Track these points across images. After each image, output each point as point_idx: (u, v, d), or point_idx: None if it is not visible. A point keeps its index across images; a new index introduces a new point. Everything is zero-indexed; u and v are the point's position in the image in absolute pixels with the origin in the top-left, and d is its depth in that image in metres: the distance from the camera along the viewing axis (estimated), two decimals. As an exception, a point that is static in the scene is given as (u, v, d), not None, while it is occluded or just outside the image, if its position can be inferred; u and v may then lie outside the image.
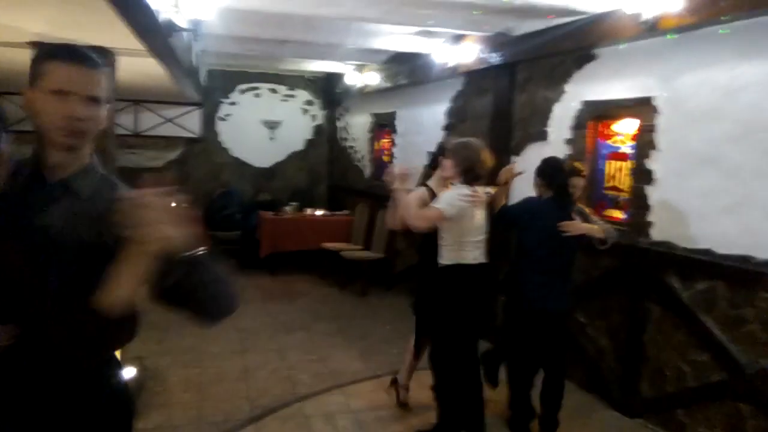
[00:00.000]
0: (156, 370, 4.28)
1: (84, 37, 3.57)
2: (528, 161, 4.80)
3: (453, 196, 3.14)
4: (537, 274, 3.33)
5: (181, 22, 3.41)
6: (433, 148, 6.41)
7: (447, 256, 3.23)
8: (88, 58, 1.31)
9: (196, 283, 1.29)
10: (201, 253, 1.28)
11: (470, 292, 3.26)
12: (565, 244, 3.25)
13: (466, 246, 3.23)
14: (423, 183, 3.54)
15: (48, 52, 1.30)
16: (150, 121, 8.55)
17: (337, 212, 8.20)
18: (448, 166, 3.26)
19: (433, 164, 3.52)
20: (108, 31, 3.26)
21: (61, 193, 1.30)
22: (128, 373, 3.91)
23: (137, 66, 4.80)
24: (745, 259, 3.14)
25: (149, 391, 3.94)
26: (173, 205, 1.18)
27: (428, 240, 3.31)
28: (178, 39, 3.64)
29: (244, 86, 9.11)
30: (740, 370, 3.15)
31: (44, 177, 1.31)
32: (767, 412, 3.04)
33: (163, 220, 1.15)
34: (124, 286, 1.19)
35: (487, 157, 3.24)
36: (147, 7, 2.59)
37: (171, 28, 3.14)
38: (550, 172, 3.36)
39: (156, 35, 3.11)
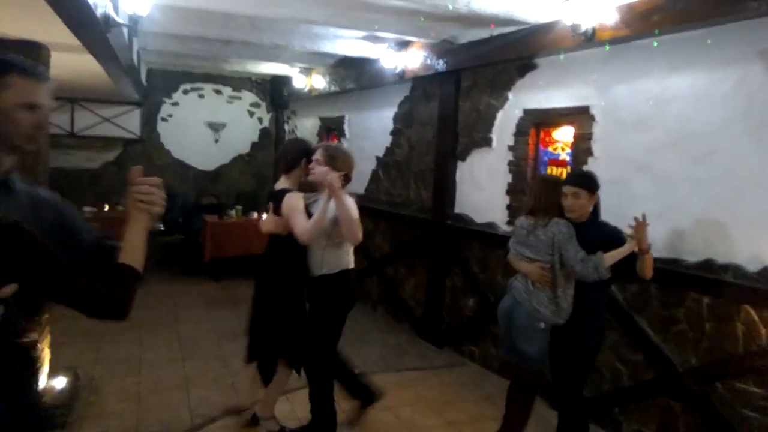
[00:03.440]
0: (90, 380, 4.10)
1: (15, 30, 3.39)
2: (473, 166, 4.91)
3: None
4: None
5: (120, 17, 3.29)
6: (381, 153, 6.39)
7: (334, 264, 3.17)
8: (46, 74, 1.50)
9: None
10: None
11: (353, 296, 3.28)
12: None
13: (348, 251, 3.23)
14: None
15: (9, 67, 1.42)
16: (87, 121, 8.23)
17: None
18: (323, 171, 3.11)
19: (290, 167, 3.30)
20: (41, 25, 3.11)
21: (4, 191, 1.47)
22: (59, 383, 3.74)
23: (73, 62, 4.61)
24: (674, 262, 3.30)
25: (83, 401, 3.77)
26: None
27: (286, 252, 3.20)
28: (117, 35, 3.51)
29: (187, 86, 8.88)
30: (672, 368, 3.30)
31: None
32: (697, 409, 3.20)
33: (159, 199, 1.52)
34: (142, 245, 1.50)
35: (353, 164, 3.27)
36: (82, 0, 2.49)
37: (108, 23, 3.02)
38: (598, 185, 3.12)
39: (92, 30, 2.99)
